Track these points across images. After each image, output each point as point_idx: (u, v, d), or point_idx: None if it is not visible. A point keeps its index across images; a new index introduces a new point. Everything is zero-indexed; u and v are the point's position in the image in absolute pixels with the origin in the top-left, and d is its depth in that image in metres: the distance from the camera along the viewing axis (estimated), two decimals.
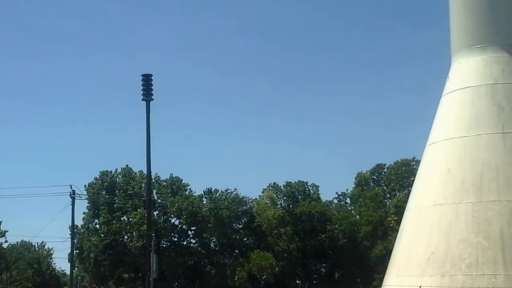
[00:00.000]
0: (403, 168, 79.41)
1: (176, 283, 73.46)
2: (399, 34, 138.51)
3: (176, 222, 77.69)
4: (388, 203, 78.98)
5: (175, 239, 77.85)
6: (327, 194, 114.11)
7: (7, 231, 65.66)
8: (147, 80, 64.69)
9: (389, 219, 72.47)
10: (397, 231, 31.80)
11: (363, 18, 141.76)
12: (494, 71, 29.59)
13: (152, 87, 64.73)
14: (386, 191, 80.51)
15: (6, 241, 67.81)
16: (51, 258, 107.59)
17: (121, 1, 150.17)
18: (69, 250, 70.38)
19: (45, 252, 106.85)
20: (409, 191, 35.17)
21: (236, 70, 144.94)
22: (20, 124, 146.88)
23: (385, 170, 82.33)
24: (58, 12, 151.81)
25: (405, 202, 33.97)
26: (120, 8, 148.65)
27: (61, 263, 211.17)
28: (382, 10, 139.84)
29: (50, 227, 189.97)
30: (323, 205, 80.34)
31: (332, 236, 77.00)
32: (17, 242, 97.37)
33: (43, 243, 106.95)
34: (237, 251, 77.50)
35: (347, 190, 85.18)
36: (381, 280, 30.69)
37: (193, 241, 78.28)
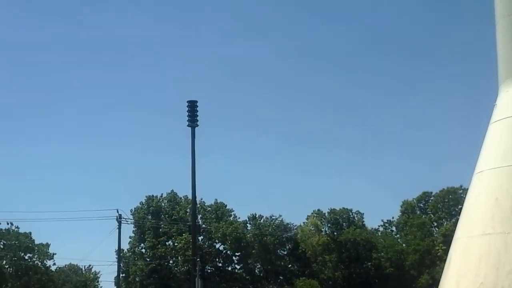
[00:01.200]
0: (450, 196, 78.57)
1: None
2: (447, 64, 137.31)
3: (221, 248, 78.07)
4: (435, 231, 78.09)
5: (220, 265, 78.16)
6: (371, 222, 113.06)
7: (55, 254, 67.06)
8: (192, 106, 65.77)
9: (437, 248, 71.61)
10: (444, 260, 31.43)
11: (411, 49, 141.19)
12: None
13: (197, 113, 66.04)
14: (433, 219, 79.65)
15: (54, 264, 69.33)
16: (97, 281, 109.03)
17: (164, 28, 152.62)
18: (115, 274, 71.45)
19: (92, 275, 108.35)
20: (457, 220, 34.84)
21: (281, 96, 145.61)
22: (69, 146, 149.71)
23: (431, 198, 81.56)
24: (107, 38, 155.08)
25: (453, 231, 33.61)
26: (164, 34, 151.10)
27: (108, 286, 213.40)
28: (431, 41, 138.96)
29: (97, 250, 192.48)
30: (369, 233, 79.83)
31: (378, 264, 76.31)
32: (65, 265, 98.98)
33: (90, 266, 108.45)
34: (281, 278, 77.37)
35: (392, 218, 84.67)
36: None
37: (238, 267, 78.50)
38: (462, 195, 71.79)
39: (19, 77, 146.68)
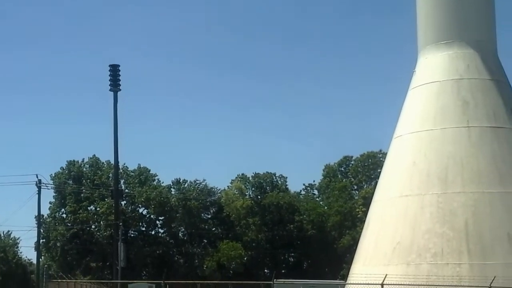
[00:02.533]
0: (369, 160, 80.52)
1: (144, 272, 73.38)
2: (367, 24, 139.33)
3: (144, 212, 77.67)
4: (355, 194, 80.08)
5: (143, 229, 77.76)
6: (295, 185, 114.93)
7: None
8: (114, 70, 64.77)
9: (357, 210, 73.51)
10: (364, 222, 32.42)
11: (330, 8, 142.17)
12: (460, 66, 30.34)
13: (120, 78, 64.95)
14: (354, 182, 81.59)
15: None
16: (17, 247, 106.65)
17: None
18: (35, 239, 69.99)
19: (11, 241, 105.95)
20: (376, 183, 35.85)
21: (204, 61, 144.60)
22: None
23: (352, 162, 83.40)
24: (24, 2, 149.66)
25: (372, 193, 34.63)
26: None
27: (28, 252, 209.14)
28: (354, 5, 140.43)
29: (16, 216, 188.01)
30: (291, 196, 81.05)
31: (300, 227, 77.72)
32: None
33: (9, 232, 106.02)
34: (205, 241, 77.77)
35: (314, 181, 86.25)
36: (348, 269, 31.27)
37: (162, 231, 78.33)
38: (381, 159, 73.72)
39: None
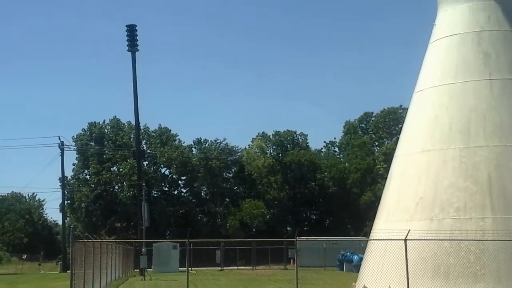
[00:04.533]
0: (390, 116, 79.99)
1: (168, 232, 74.23)
2: None
3: (166, 172, 78.17)
4: (376, 150, 79.79)
5: (166, 189, 78.40)
6: (315, 143, 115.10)
7: None
8: (131, 30, 64.46)
9: (378, 166, 73.33)
10: (386, 178, 32.30)
11: None
12: (481, 18, 29.71)
13: (137, 38, 64.64)
14: (374, 139, 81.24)
15: None
16: (42, 209, 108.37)
17: None
18: (60, 201, 70.98)
19: (36, 203, 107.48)
20: (397, 139, 35.59)
21: (223, 23, 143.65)
22: (8, 78, 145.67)
23: (372, 119, 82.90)
24: None
25: (394, 149, 34.42)
26: None
27: (53, 213, 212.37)
28: None
29: (40, 178, 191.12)
30: (312, 154, 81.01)
31: (321, 184, 77.87)
32: (8, 194, 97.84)
33: (34, 194, 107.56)
34: (228, 200, 78.27)
35: (335, 138, 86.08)
36: (371, 226, 31.28)
37: (184, 191, 78.94)
38: (402, 114, 73.11)
39: None
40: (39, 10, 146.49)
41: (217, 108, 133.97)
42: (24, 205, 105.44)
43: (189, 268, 27.35)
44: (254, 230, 74.12)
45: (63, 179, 69.53)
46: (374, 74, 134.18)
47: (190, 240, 25.83)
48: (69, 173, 75.57)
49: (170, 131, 79.16)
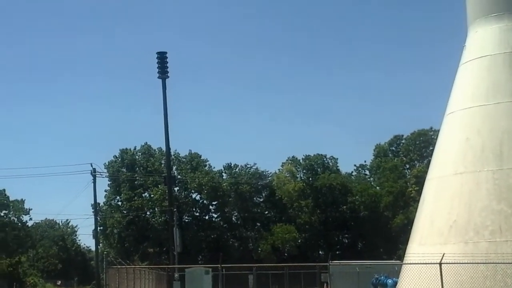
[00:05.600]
0: (420, 138, 79.53)
1: (200, 257, 74.37)
2: (414, 8, 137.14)
3: (197, 197, 78.49)
4: (407, 173, 79.26)
5: (197, 214, 78.69)
6: (346, 166, 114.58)
7: (31, 209, 66.73)
8: (162, 58, 65.16)
9: (410, 189, 72.81)
10: (418, 201, 32.15)
11: None
12: (511, 39, 29.62)
13: (167, 65, 65.42)
14: (405, 161, 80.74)
15: (30, 219, 69.03)
16: (75, 235, 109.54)
17: None
18: (93, 227, 71.46)
19: (70, 229, 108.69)
20: (429, 161, 35.45)
21: (250, 46, 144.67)
22: (41, 103, 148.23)
23: (403, 141, 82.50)
24: None
25: (425, 172, 34.27)
26: None
27: (86, 239, 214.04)
28: None
29: (73, 205, 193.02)
30: (343, 177, 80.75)
31: (353, 208, 77.49)
32: (41, 220, 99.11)
33: (68, 221, 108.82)
34: (259, 224, 78.25)
35: (365, 161, 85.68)
36: (404, 249, 31.07)
37: (215, 216, 79.10)
38: (432, 136, 72.75)
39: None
40: (67, 34, 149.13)
41: (247, 133, 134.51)
42: (57, 231, 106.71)
43: None
44: (286, 254, 73.85)
45: (95, 205, 70.15)
46: (404, 96, 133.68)
47: (222, 265, 25.88)
48: (101, 199, 76.41)
49: (201, 156, 79.71)
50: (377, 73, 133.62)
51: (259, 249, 73.12)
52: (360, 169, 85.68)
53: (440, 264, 24.36)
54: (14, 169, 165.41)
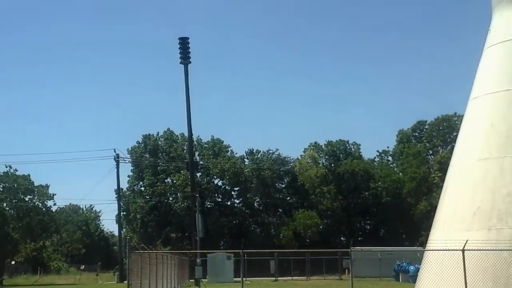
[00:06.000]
0: (444, 124, 78.83)
1: (222, 242, 74.66)
2: None
3: (219, 183, 78.66)
4: (430, 159, 78.67)
5: (219, 200, 78.90)
6: (368, 152, 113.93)
7: (55, 195, 67.15)
8: (184, 43, 65.32)
9: (433, 175, 72.26)
10: (441, 187, 31.79)
11: None
12: None
13: (189, 50, 65.46)
14: (428, 147, 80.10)
15: (54, 204, 69.48)
16: (99, 220, 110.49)
17: None
18: (116, 212, 72.05)
19: (93, 214, 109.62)
20: (452, 147, 35.03)
21: (274, 33, 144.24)
22: (65, 88, 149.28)
23: (426, 127, 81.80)
24: None
25: (449, 158, 33.87)
26: None
27: (109, 224, 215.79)
28: None
29: (96, 190, 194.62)
30: (366, 163, 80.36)
31: (375, 194, 77.18)
32: (66, 205, 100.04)
33: (91, 206, 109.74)
34: (280, 210, 78.26)
35: (388, 147, 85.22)
36: (426, 236, 30.79)
37: (237, 201, 79.27)
38: (456, 122, 72.11)
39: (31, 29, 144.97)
40: (91, 19, 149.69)
41: (269, 119, 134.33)
42: (81, 216, 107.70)
43: (244, 278, 27.42)
44: (307, 240, 73.85)
45: (118, 191, 70.65)
46: (427, 81, 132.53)
47: (244, 250, 25.92)
48: (124, 185, 76.90)
49: (223, 142, 79.81)
50: (400, 58, 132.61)
51: (281, 235, 73.17)
52: (382, 155, 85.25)
53: (463, 250, 24.11)
54: (39, 154, 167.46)
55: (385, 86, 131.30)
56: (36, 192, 66.31)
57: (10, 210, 65.61)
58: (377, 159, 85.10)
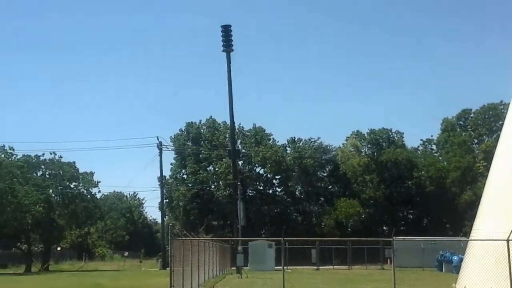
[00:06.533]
0: (490, 112, 77.47)
1: (263, 230, 74.88)
2: None
3: (261, 171, 78.80)
4: (475, 148, 77.47)
5: (261, 188, 79.06)
6: (412, 141, 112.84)
7: (99, 182, 68.14)
8: (226, 31, 65.48)
9: (478, 164, 71.14)
10: (486, 176, 31.28)
11: None
12: None
13: (232, 38, 65.59)
14: (473, 136, 78.87)
15: (99, 192, 70.55)
16: (142, 207, 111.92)
17: None
18: (159, 200, 72.88)
19: (137, 202, 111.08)
20: (498, 136, 34.40)
21: (313, 19, 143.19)
22: (108, 76, 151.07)
23: (471, 115, 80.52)
24: None
25: (494, 147, 33.29)
26: None
27: (152, 212, 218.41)
28: None
29: (140, 178, 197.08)
30: (409, 152, 79.54)
31: (419, 183, 76.38)
32: (110, 193, 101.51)
33: (135, 194, 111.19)
34: (322, 199, 78.09)
35: (432, 136, 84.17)
36: (470, 225, 30.34)
37: (279, 190, 79.33)
38: (502, 110, 70.74)
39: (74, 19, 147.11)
40: (132, 7, 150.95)
41: (311, 107, 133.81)
42: (125, 204, 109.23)
43: (285, 267, 27.42)
44: (349, 229, 73.58)
45: (161, 178, 71.38)
46: (473, 69, 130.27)
47: (285, 238, 25.91)
48: (167, 172, 77.67)
49: (265, 130, 79.85)
50: (446, 46, 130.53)
51: (323, 223, 73.05)
52: (426, 143, 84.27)
53: (508, 240, 23.67)
54: (83, 141, 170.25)
55: (429, 74, 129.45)
56: (81, 179, 67.43)
57: (56, 197, 66.85)
58: (420, 148, 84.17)
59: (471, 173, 72.05)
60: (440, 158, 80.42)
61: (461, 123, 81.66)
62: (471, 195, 67.72)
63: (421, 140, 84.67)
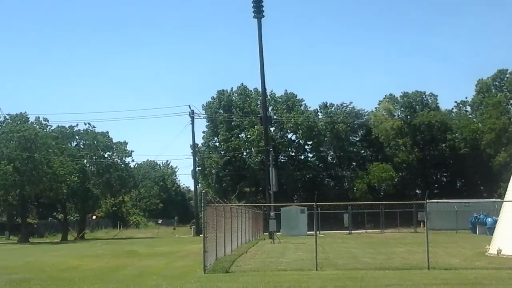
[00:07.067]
0: None
1: (295, 196, 74.99)
2: None
3: (293, 137, 78.62)
4: (511, 109, 76.12)
5: (293, 154, 78.98)
6: (446, 103, 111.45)
7: (133, 151, 68.70)
8: None
9: None
10: None
11: None
12: None
13: (263, 4, 65.02)
14: (509, 97, 77.43)
15: (133, 161, 71.16)
16: (175, 175, 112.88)
17: None
18: (191, 168, 73.32)
19: (170, 170, 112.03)
20: None
21: None
22: (139, 49, 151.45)
23: (507, 76, 78.94)
24: None
25: None
26: None
27: (185, 179, 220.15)
28: None
29: (173, 146, 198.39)
30: (443, 115, 78.53)
31: (452, 145, 75.51)
32: (143, 162, 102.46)
33: (168, 162, 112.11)
34: (354, 164, 77.76)
35: (466, 98, 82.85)
36: (505, 187, 29.90)
37: (311, 155, 79.20)
38: None
39: None
40: None
41: (343, 71, 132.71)
42: (158, 172, 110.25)
43: (317, 232, 27.39)
44: (382, 193, 73.29)
45: (193, 146, 71.70)
46: (508, 28, 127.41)
47: (317, 203, 25.85)
48: (199, 140, 78.01)
49: (296, 96, 79.43)
50: (479, 6, 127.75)
51: (355, 188, 72.84)
52: (461, 105, 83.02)
53: None
54: (116, 111, 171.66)
55: (463, 36, 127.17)
56: (114, 149, 68.06)
57: (90, 167, 67.64)
58: (455, 110, 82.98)
59: (506, 134, 70.86)
60: (475, 120, 79.24)
61: (497, 83, 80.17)
62: (506, 156, 66.74)
63: (455, 102, 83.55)
